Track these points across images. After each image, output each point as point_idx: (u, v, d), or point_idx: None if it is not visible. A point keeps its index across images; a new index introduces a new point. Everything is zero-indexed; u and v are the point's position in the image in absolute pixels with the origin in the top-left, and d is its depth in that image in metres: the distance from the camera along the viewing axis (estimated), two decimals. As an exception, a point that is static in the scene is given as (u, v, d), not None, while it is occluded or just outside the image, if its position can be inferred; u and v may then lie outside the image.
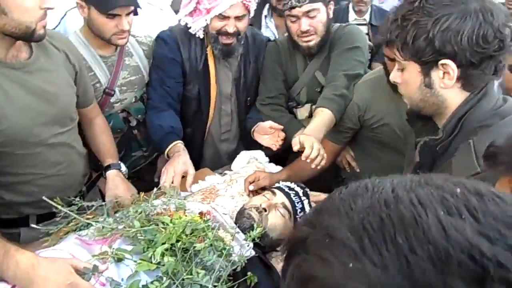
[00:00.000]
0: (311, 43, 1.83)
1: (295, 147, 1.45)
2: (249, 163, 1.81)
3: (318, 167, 1.48)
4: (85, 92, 1.60)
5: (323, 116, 1.65)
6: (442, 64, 0.99)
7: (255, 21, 2.54)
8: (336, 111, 1.69)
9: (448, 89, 1.04)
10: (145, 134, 1.96)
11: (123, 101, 1.86)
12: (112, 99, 1.81)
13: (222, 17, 1.74)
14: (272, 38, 2.34)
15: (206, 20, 1.77)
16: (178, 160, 1.61)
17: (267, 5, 2.70)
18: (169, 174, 1.57)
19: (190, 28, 1.85)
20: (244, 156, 1.92)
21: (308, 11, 1.75)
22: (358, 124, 1.78)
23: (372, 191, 0.37)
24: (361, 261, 0.31)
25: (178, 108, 1.94)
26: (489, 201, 0.33)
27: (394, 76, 1.13)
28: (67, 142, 1.49)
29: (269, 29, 2.66)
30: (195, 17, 1.81)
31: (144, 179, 2.02)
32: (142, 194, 1.42)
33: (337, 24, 1.97)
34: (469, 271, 0.29)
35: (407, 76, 1.08)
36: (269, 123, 1.82)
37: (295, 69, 1.99)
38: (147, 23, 1.98)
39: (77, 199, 1.33)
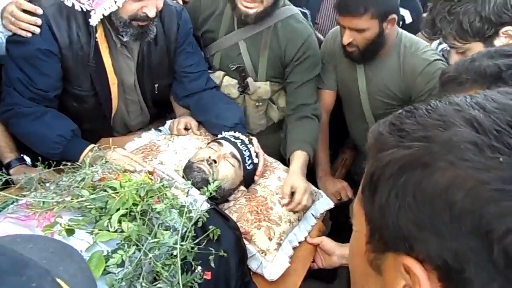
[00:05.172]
0: (251, 11, 1.55)
1: (285, 200, 1.43)
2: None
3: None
4: None
5: (303, 159, 1.59)
6: (503, 32, 1.14)
7: None
8: (311, 156, 1.65)
9: None
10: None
11: None
12: None
13: None
14: None
15: (116, 2, 1.32)
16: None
17: None
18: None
19: (86, 10, 1.37)
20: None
21: None
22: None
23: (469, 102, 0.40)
24: (510, 154, 0.34)
25: (56, 106, 1.52)
26: None
27: (455, 60, 1.23)
28: None
29: None
30: None
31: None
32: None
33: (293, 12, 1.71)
34: None
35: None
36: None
37: (217, 26, 1.72)
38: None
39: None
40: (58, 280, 0.39)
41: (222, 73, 1.77)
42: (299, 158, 1.58)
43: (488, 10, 1.11)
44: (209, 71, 1.77)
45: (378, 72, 1.74)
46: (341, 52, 1.75)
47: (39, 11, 1.35)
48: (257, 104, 1.81)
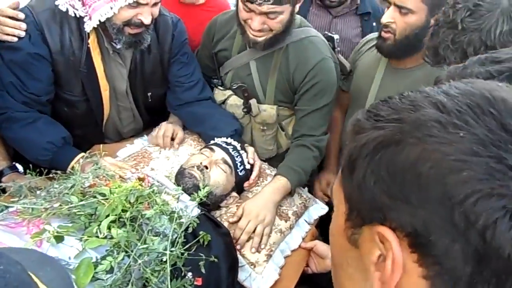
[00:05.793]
0: (260, 39, 1.48)
1: (231, 219, 1.38)
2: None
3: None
4: None
5: (279, 186, 1.47)
6: None
7: None
8: (295, 186, 1.52)
9: None
10: None
11: None
12: None
13: (136, 4, 1.35)
14: None
15: (112, 8, 1.33)
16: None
17: None
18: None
19: (79, 16, 1.38)
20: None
21: (268, 13, 1.41)
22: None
23: (436, 90, 0.44)
24: (468, 130, 0.38)
25: (49, 111, 1.52)
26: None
27: None
28: None
29: None
30: (89, 1, 1.36)
31: None
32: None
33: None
34: None
35: None
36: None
37: (230, 45, 1.66)
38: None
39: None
40: (31, 274, 0.40)
41: (230, 92, 1.70)
42: (274, 183, 1.48)
43: (493, 39, 1.06)
44: (220, 88, 1.73)
45: (398, 82, 1.63)
46: (364, 54, 1.76)
47: (21, 15, 1.38)
48: (262, 128, 1.70)
